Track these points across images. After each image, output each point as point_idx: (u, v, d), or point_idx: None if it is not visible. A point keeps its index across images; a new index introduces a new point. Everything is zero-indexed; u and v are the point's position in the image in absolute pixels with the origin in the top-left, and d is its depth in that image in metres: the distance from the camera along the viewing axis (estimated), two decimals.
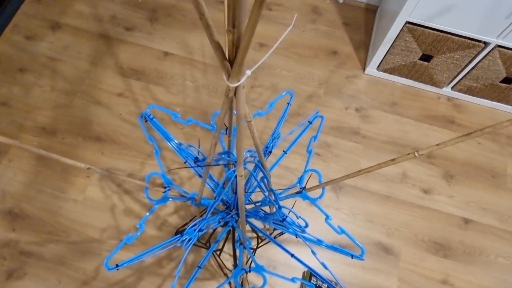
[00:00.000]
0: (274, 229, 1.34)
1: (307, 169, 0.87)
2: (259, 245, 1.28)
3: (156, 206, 0.84)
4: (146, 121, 0.90)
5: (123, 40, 1.69)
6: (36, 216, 1.35)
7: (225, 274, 1.28)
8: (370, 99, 1.65)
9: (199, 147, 0.74)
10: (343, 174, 0.88)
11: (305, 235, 0.80)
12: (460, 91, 1.62)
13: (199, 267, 0.78)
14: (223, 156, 0.65)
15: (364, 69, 1.70)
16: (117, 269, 0.77)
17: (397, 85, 1.68)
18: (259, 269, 0.78)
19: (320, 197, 0.86)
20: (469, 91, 1.60)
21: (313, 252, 0.78)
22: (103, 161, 1.45)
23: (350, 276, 1.34)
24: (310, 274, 1.29)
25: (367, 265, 1.36)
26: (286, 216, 0.76)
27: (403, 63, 1.56)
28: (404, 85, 1.68)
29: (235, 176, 0.66)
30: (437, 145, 0.62)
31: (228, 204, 0.93)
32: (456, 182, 1.52)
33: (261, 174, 0.93)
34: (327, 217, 0.82)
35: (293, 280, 0.81)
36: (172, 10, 1.78)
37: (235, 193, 0.76)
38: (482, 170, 1.54)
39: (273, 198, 0.68)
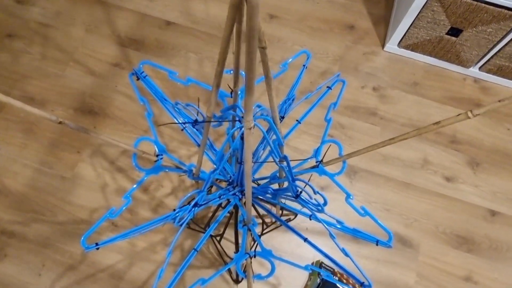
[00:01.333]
0: (281, 215, 1.21)
1: (325, 139, 0.74)
2: (265, 231, 1.16)
3: (146, 177, 0.71)
4: (138, 79, 0.77)
5: (121, 7, 1.55)
6: (20, 193, 1.23)
7: (225, 262, 1.16)
8: (389, 78, 1.51)
9: (198, 107, 0.61)
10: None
11: (321, 216, 0.67)
12: (489, 71, 1.47)
13: (195, 249, 0.65)
14: (227, 112, 0.52)
15: (383, 46, 1.56)
16: (97, 248, 0.65)
17: (419, 64, 1.54)
18: (266, 254, 0.65)
19: (341, 172, 0.73)
20: (499, 71, 1.45)
21: (332, 236, 0.65)
22: (95, 136, 1.32)
23: (363, 269, 1.21)
24: (320, 264, 1.16)
25: (383, 257, 1.23)
26: (301, 191, 0.63)
27: (428, 38, 1.41)
28: (427, 64, 1.54)
29: (241, 136, 0.53)
30: (499, 101, 0.48)
31: (231, 181, 0.80)
32: (482, 170, 1.38)
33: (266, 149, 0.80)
34: (348, 196, 0.69)
35: (306, 268, 0.69)
36: None
37: (240, 162, 0.63)
38: (511, 158, 1.40)
39: (286, 167, 0.55)
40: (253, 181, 0.78)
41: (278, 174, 0.76)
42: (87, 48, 1.47)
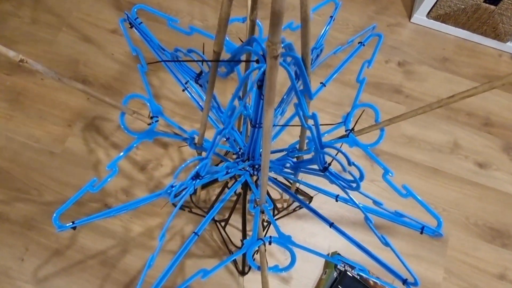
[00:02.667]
0: (293, 201, 1.08)
1: (356, 103, 0.60)
2: (275, 218, 1.02)
3: (138, 142, 0.58)
4: (131, 26, 0.63)
5: None
6: (3, 169, 1.11)
7: (230, 251, 1.03)
8: (416, 53, 1.35)
9: (203, 53, 0.47)
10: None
11: (350, 196, 0.53)
12: None
13: (195, 233, 0.52)
14: (242, 48, 0.38)
15: (410, 17, 1.40)
16: (73, 228, 0.52)
17: (450, 38, 1.38)
18: (285, 240, 0.51)
19: (377, 142, 0.59)
20: None
21: (368, 220, 0.52)
22: (88, 108, 1.19)
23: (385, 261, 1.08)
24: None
25: (408, 251, 1.10)
26: (331, 162, 0.50)
27: (463, 7, 1.25)
28: (458, 37, 1.38)
29: (258, 82, 0.39)
30: None
31: (240, 153, 0.66)
32: None
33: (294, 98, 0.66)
34: (387, 172, 0.55)
35: (334, 259, 0.55)
36: None
37: (255, 125, 0.49)
38: None
39: (313, 126, 0.41)
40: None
41: (298, 146, 0.63)
42: (82, 13, 1.33)
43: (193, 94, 0.65)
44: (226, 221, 0.93)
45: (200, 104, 0.65)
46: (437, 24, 1.37)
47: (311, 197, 1.10)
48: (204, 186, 0.90)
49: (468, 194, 1.17)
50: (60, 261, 1.01)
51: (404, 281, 0.52)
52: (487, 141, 1.25)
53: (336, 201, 0.60)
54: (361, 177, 0.48)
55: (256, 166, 0.67)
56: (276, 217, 1.06)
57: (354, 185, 0.50)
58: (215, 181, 0.86)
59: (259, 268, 0.48)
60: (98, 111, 1.19)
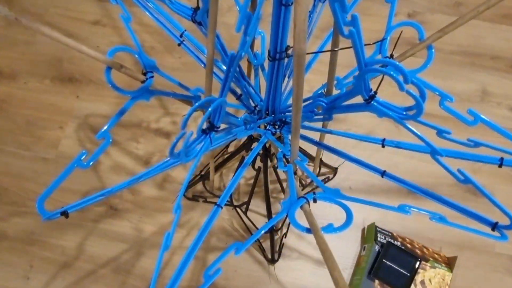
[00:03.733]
0: (318, 174, 0.97)
1: (391, 24, 0.49)
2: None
3: (133, 103, 0.47)
4: None
5: None
6: None
7: (257, 239, 0.92)
8: (426, 1, 1.24)
9: None
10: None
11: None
12: None
13: (218, 205, 0.41)
14: None
15: None
16: (66, 216, 0.42)
17: None
18: (333, 195, 0.41)
19: (426, 64, 0.48)
20: None
21: (435, 154, 0.41)
22: (79, 106, 1.09)
23: (427, 228, 0.97)
24: (375, 228, 0.92)
25: (448, 213, 0.98)
26: (375, 91, 0.39)
27: None
28: None
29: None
30: None
31: (257, 111, 0.56)
32: None
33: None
34: (445, 97, 0.44)
35: (402, 209, 0.44)
36: None
37: (276, 56, 0.38)
38: None
39: (355, 34, 0.30)
40: (282, 112, 0.54)
41: (325, 90, 0.52)
42: (59, 8, 1.22)
43: (191, 48, 0.54)
44: (247, 204, 0.82)
45: (201, 58, 0.55)
46: None
47: (336, 169, 0.99)
48: (217, 168, 0.79)
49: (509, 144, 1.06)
50: (69, 274, 0.91)
51: (495, 225, 0.41)
52: None
53: (383, 146, 0.49)
54: (423, 96, 0.37)
55: (278, 123, 0.56)
56: (307, 189, 0.95)
57: (411, 112, 0.39)
58: (231, 157, 0.76)
59: (308, 230, 0.37)
60: (90, 108, 1.08)
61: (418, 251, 0.88)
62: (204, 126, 0.40)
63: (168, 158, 0.47)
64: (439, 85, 1.21)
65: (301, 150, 0.75)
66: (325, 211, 0.95)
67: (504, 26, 1.20)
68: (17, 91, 1.11)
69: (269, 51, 0.42)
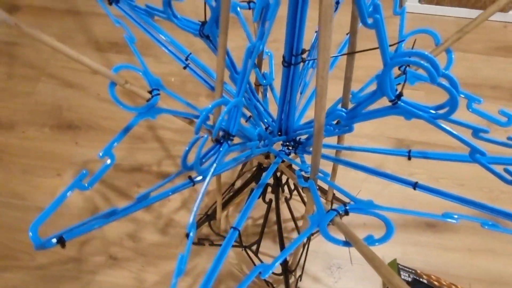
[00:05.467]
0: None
1: (403, 33, 0.49)
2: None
3: (138, 120, 0.44)
4: (110, 3, 0.52)
5: (96, 13, 1.35)
6: None
7: (270, 284, 0.84)
8: (418, 42, 1.27)
9: None
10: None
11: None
12: None
13: (235, 228, 0.36)
14: None
15: (401, 6, 1.34)
16: (62, 246, 0.36)
17: (449, 20, 1.31)
18: (365, 206, 0.36)
19: (448, 67, 0.46)
20: None
21: (476, 154, 0.37)
22: (78, 153, 1.06)
23: (453, 263, 0.90)
24: (397, 265, 0.85)
25: (474, 246, 0.92)
26: (400, 92, 0.37)
27: None
28: (457, 17, 1.31)
29: None
30: None
31: (268, 130, 0.53)
32: None
33: None
34: (472, 100, 0.42)
35: (448, 216, 0.39)
36: None
37: (291, 60, 0.36)
38: None
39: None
40: (296, 131, 0.51)
41: (340, 105, 0.49)
42: (60, 60, 1.24)
43: (195, 70, 0.53)
44: (258, 243, 0.76)
45: (208, 81, 0.53)
46: (432, 8, 1.31)
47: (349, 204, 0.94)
48: (225, 204, 0.75)
49: None
50: None
51: None
52: None
53: (409, 158, 0.46)
54: (456, 89, 0.34)
55: (292, 143, 0.53)
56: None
57: (443, 110, 0.37)
58: (239, 191, 0.71)
59: (346, 243, 0.33)
60: (89, 154, 1.05)
61: (444, 283, 0.81)
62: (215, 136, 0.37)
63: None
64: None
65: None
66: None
67: (499, 58, 1.23)
68: (14, 140, 1.08)
69: (283, 57, 0.40)
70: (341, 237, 0.37)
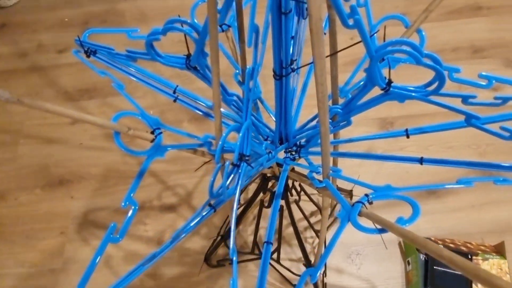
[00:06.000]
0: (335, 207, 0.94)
1: (372, 23, 0.51)
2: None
3: (150, 161, 0.45)
4: (88, 56, 0.53)
5: (59, 65, 1.33)
6: None
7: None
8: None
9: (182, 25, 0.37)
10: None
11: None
12: None
13: (268, 242, 0.37)
14: None
15: None
16: None
17: None
18: (386, 191, 0.38)
19: (421, 46, 0.49)
20: None
21: (472, 120, 0.40)
22: (76, 206, 1.04)
23: (461, 223, 0.94)
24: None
25: (476, 201, 0.96)
26: (389, 79, 0.39)
27: None
28: None
29: None
30: None
31: (268, 141, 0.54)
32: None
33: None
34: (452, 70, 0.45)
35: (463, 182, 0.42)
36: (107, 15, 1.45)
37: (283, 72, 0.38)
38: None
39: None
40: (295, 136, 0.53)
41: (331, 101, 0.52)
42: (34, 118, 1.22)
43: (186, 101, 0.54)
44: (278, 250, 0.77)
45: (201, 109, 0.54)
46: None
47: (351, 191, 0.96)
48: (238, 220, 0.76)
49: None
50: None
51: None
52: (486, 65, 1.19)
53: (407, 136, 0.48)
54: (439, 65, 0.37)
55: (294, 148, 0.54)
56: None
57: (433, 87, 0.39)
58: (249, 204, 0.73)
59: (380, 230, 0.35)
60: (87, 205, 1.04)
61: (464, 248, 0.84)
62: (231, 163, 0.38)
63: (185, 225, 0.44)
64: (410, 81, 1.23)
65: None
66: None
67: (452, 21, 1.29)
68: (9, 209, 1.06)
69: (273, 71, 0.42)
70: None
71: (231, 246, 0.36)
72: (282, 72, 0.41)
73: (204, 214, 0.44)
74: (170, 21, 0.41)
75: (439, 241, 0.86)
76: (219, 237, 0.84)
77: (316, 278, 0.34)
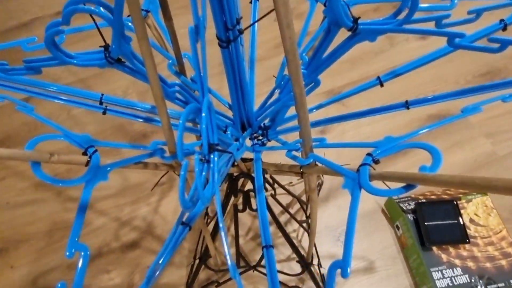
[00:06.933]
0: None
1: None
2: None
3: (92, 188, 0.34)
4: None
5: None
6: None
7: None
8: None
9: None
10: None
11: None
12: None
13: (267, 246, 0.29)
14: None
15: None
16: None
17: None
18: (387, 143, 0.32)
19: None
20: None
21: (488, 46, 0.35)
22: (19, 276, 0.88)
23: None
24: (394, 202, 0.84)
25: (441, 147, 0.95)
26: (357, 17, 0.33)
27: None
28: None
29: None
30: None
31: (228, 125, 0.46)
32: None
33: None
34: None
35: (471, 110, 0.36)
36: None
37: (235, 53, 0.30)
38: None
39: None
40: (257, 117, 0.45)
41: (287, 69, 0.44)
42: None
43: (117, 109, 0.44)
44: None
45: (136, 114, 0.44)
46: None
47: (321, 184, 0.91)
48: (213, 236, 0.66)
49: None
50: None
51: None
52: None
53: (381, 85, 0.42)
54: None
55: (260, 132, 0.47)
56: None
57: (403, 15, 0.34)
58: (223, 212, 0.63)
59: (407, 188, 0.28)
60: (33, 271, 0.88)
61: (445, 196, 0.82)
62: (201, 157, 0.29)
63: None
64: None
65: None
66: None
67: None
68: None
69: (217, 36, 0.33)
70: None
71: (228, 262, 0.28)
72: (229, 35, 0.33)
73: (178, 236, 0.34)
74: (70, 2, 0.31)
75: (420, 197, 0.84)
76: (197, 260, 0.74)
77: (349, 273, 0.27)
